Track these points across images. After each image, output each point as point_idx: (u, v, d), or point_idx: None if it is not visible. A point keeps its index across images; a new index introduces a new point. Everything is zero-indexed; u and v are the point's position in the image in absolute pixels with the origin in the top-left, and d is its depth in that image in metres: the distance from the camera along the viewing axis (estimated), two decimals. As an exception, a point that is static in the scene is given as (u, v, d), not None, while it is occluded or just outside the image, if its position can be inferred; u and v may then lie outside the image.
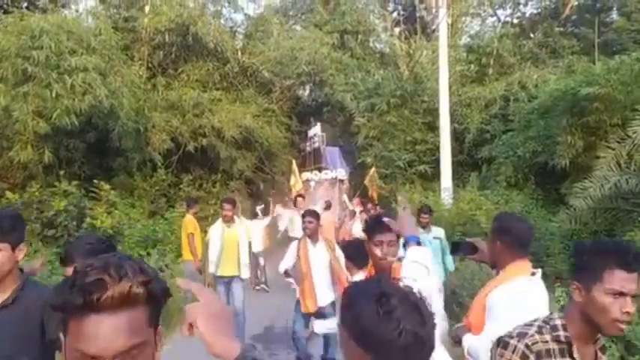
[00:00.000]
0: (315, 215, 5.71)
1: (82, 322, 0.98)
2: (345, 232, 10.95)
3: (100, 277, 0.97)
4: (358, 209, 12.65)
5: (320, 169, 16.53)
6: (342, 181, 15.92)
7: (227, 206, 6.75)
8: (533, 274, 2.74)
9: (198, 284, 1.24)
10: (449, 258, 6.99)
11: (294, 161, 14.87)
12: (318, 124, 18.71)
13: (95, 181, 11.12)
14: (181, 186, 14.65)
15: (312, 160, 18.32)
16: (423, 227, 6.93)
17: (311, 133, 19.21)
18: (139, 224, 10.81)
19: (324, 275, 5.42)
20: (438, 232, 7.23)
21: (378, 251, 2.95)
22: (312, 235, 5.56)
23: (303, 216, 5.73)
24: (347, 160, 18.36)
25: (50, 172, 11.24)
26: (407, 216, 3.05)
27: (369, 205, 13.49)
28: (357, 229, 10.38)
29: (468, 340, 2.76)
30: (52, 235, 9.36)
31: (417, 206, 8.25)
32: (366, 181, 14.63)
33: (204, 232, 10.11)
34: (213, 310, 1.18)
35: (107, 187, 10.96)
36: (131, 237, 10.01)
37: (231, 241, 6.69)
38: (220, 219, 6.85)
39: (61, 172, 10.53)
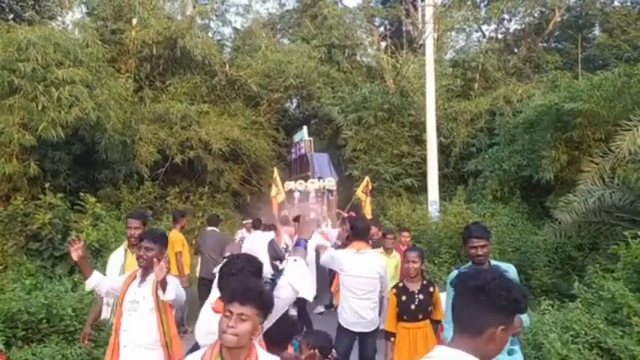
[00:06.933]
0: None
1: None
2: None
3: None
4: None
5: (306, 179, 14.54)
6: (330, 191, 13.96)
7: (135, 222, 5.11)
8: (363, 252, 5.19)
9: None
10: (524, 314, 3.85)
11: (276, 170, 14.45)
12: (304, 127, 17.09)
13: (81, 193, 11.01)
14: (168, 199, 14.54)
15: (298, 168, 16.70)
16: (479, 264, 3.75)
17: (297, 137, 17.24)
18: (124, 237, 10.68)
19: None
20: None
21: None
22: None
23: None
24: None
25: (35, 185, 11.10)
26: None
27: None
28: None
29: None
30: (36, 249, 9.22)
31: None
32: (359, 192, 13.39)
33: (191, 244, 10.08)
34: None
35: (93, 199, 10.84)
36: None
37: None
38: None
39: (46, 185, 10.40)
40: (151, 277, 3.90)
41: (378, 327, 5.26)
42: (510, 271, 3.77)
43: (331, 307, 8.67)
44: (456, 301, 1.78)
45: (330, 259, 5.42)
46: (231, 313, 2.28)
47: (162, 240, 4.08)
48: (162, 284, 3.77)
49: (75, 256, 4.20)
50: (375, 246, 7.33)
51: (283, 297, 2.80)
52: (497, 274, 1.76)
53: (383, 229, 8.20)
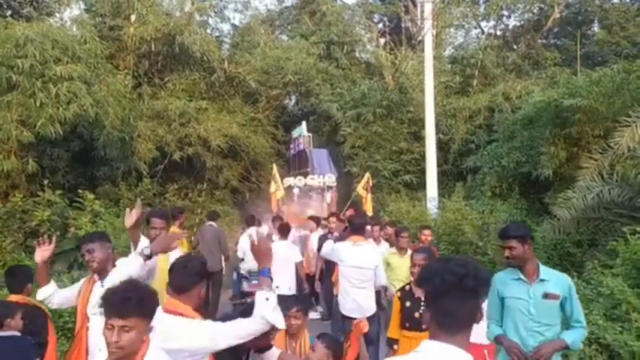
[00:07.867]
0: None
1: None
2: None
3: None
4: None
5: (305, 175, 14.10)
6: (331, 188, 13.52)
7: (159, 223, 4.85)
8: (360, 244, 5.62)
9: None
10: (576, 335, 3.40)
11: (274, 165, 14.22)
12: (303, 122, 16.67)
13: (79, 190, 10.99)
14: (167, 195, 14.53)
15: (297, 164, 16.30)
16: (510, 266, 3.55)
17: (295, 133, 16.86)
18: (123, 234, 10.67)
19: None
20: (556, 281, 3.44)
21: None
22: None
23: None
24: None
25: (33, 182, 11.09)
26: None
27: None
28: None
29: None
30: (35, 246, 9.21)
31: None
32: (359, 188, 12.84)
33: (190, 241, 10.07)
34: None
35: (91, 196, 10.81)
36: (116, 247, 9.78)
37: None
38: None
39: (45, 182, 10.39)
40: (113, 271, 3.70)
41: (375, 313, 5.59)
42: (563, 281, 3.43)
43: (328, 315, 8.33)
44: (445, 300, 1.69)
45: (331, 251, 5.95)
46: (112, 326, 2.16)
47: (101, 237, 3.86)
48: (134, 235, 3.69)
49: (39, 257, 3.88)
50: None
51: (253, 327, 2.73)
52: (470, 262, 1.73)
53: (397, 227, 7.58)
